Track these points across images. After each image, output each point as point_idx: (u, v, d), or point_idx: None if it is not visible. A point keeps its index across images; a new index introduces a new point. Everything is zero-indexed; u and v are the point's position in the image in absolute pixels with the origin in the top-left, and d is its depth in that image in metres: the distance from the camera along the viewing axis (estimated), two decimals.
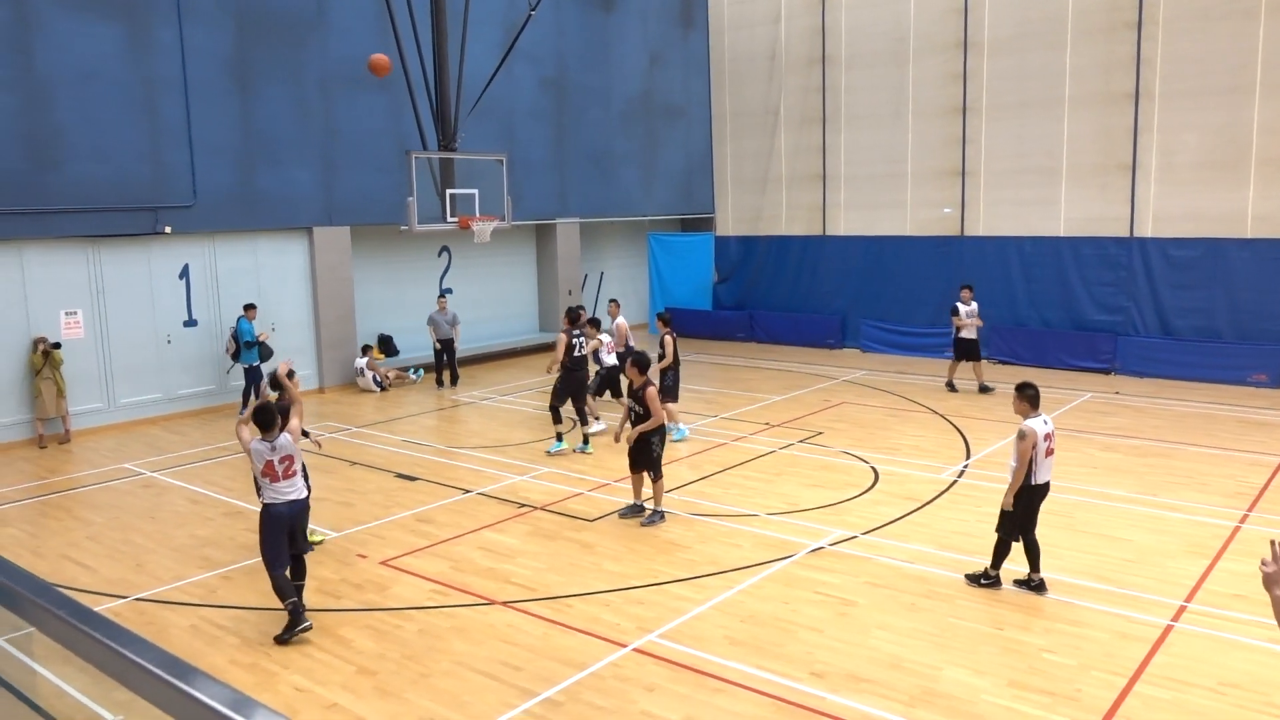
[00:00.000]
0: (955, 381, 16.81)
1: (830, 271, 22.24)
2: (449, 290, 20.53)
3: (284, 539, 7.64)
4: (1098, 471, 11.65)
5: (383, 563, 9.12)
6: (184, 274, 15.94)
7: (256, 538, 9.87)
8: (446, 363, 18.22)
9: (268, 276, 17.03)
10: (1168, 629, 7.35)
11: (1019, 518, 8.03)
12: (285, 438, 7.63)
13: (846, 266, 21.94)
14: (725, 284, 24.31)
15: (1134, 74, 17.81)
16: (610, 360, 13.97)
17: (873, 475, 11.64)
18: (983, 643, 7.17)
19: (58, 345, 14.19)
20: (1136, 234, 18.16)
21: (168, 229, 15.25)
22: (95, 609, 1.89)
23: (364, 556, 9.29)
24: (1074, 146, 18.66)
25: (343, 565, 9.08)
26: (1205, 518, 9.89)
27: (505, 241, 21.39)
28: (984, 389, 16.32)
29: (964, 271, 20.10)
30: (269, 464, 7.55)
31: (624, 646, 7.23)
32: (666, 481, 10.60)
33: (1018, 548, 8.11)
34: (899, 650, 7.09)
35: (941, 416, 14.77)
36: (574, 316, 13.50)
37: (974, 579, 8.21)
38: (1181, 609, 7.70)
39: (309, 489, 7.98)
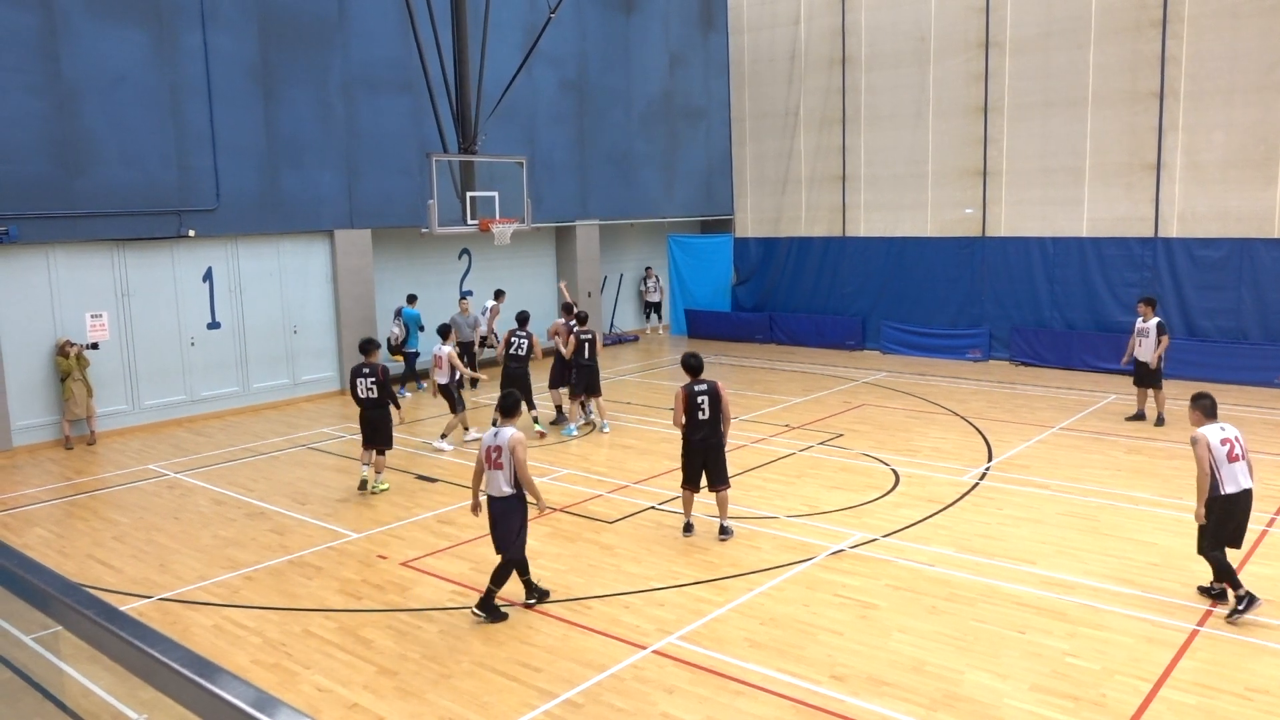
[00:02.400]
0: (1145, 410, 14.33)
1: (851, 273, 22.15)
2: (469, 292, 20.61)
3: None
4: (1122, 474, 11.54)
5: (404, 564, 9.16)
6: (207, 277, 16.09)
7: (280, 539, 9.98)
8: (466, 364, 18.24)
9: (290, 279, 17.17)
10: (1193, 633, 7.26)
11: (1213, 529, 7.58)
12: (508, 431, 7.78)
13: (867, 268, 21.83)
14: (745, 285, 24.26)
15: (1159, 72, 17.63)
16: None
17: (893, 477, 11.58)
18: (1005, 646, 7.11)
19: (94, 346, 14.40)
20: (1161, 234, 17.97)
21: (191, 232, 15.41)
22: (121, 609, 1.91)
23: (384, 557, 9.33)
24: (1098, 146, 18.48)
25: (364, 566, 9.13)
26: None
27: (525, 244, 21.45)
28: (1159, 421, 14.01)
29: (986, 272, 19.98)
30: (487, 451, 7.75)
31: (644, 648, 7.23)
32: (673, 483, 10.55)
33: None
34: (920, 653, 7.04)
35: (963, 418, 14.68)
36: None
37: (1230, 616, 7.43)
38: (1207, 613, 7.61)
39: (514, 491, 7.80)
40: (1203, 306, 17.58)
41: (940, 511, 10.28)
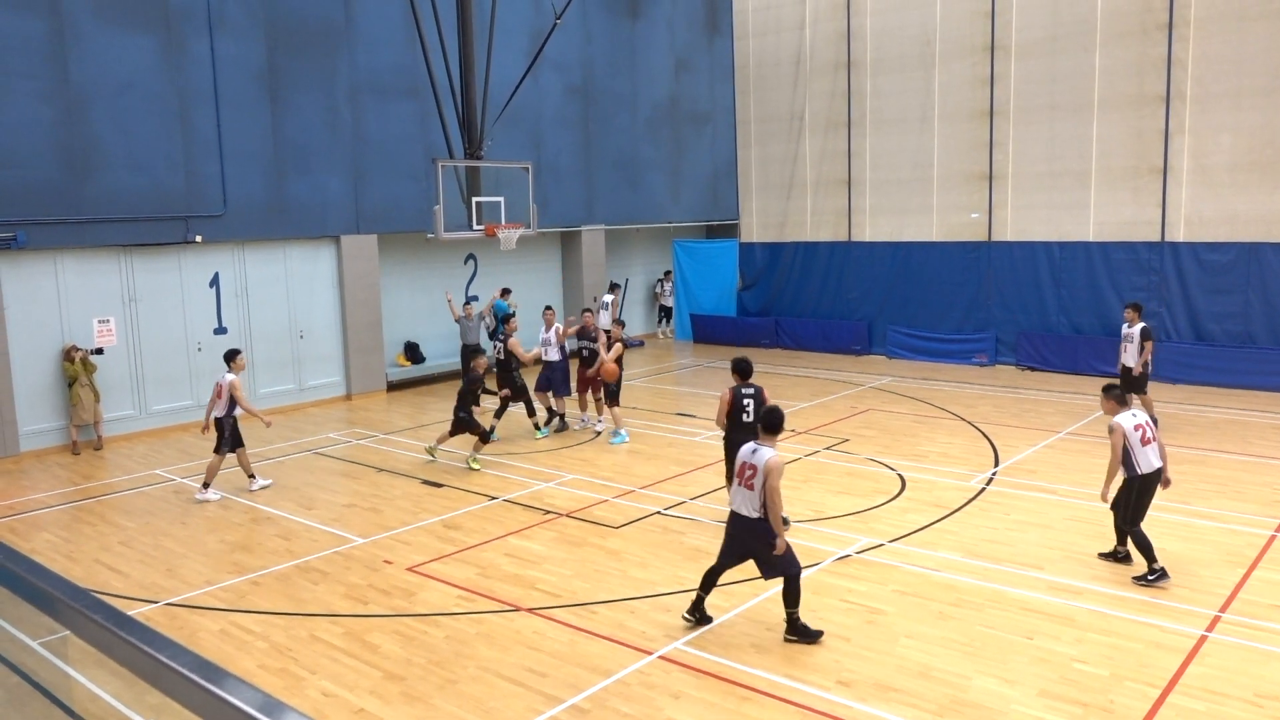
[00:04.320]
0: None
1: (857, 277, 22.12)
2: (475, 298, 20.65)
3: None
4: None
5: (410, 569, 9.16)
6: (214, 282, 16.14)
7: (286, 543, 10.00)
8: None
9: (296, 284, 17.21)
10: (1202, 639, 7.22)
11: (1132, 507, 8.32)
12: (767, 452, 7.20)
13: (873, 272, 21.80)
14: (750, 290, 24.25)
15: (1165, 76, 17.59)
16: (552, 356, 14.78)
17: (900, 482, 11.55)
18: (1013, 652, 7.09)
19: (99, 351, 14.46)
20: (1168, 238, 17.91)
21: (199, 238, 15.46)
22: (128, 613, 1.91)
23: (390, 562, 9.34)
24: (1104, 150, 18.45)
25: (370, 571, 9.14)
26: (1240, 526, 9.73)
27: (531, 249, 21.48)
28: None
29: (992, 276, 19.95)
30: (741, 466, 7.34)
31: (650, 654, 7.22)
32: (695, 486, 10.54)
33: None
34: (928, 659, 7.02)
35: (969, 423, 14.64)
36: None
37: (1140, 579, 8.26)
38: (1216, 619, 7.57)
39: (761, 516, 7.22)
40: (1210, 311, 17.52)
41: (947, 517, 10.25)
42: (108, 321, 14.85)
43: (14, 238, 13.52)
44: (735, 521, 7.40)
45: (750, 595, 8.24)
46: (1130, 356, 13.68)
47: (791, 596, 7.32)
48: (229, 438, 11.67)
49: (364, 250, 17.90)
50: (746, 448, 7.43)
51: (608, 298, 21.44)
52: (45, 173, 13.87)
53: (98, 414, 14.37)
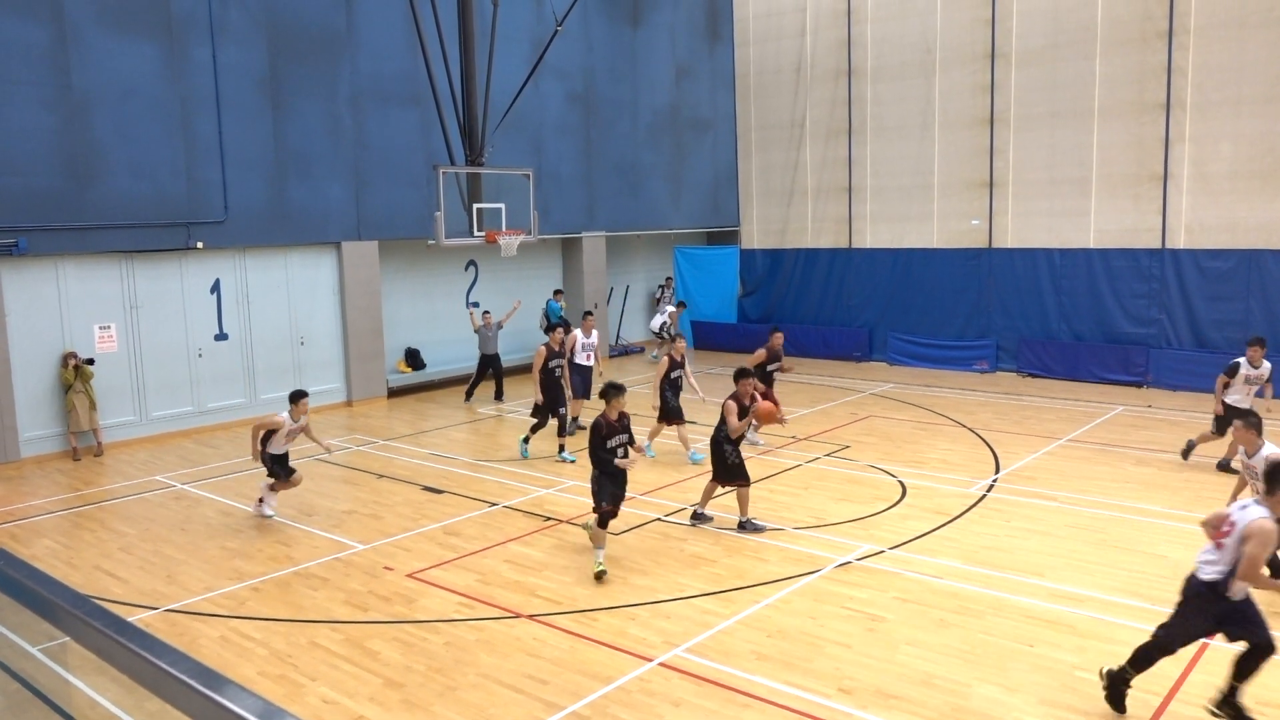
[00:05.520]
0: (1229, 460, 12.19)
1: (858, 284, 22.14)
2: (476, 304, 20.67)
3: None
4: (1131, 486, 11.48)
5: (410, 575, 9.15)
6: (215, 288, 16.15)
7: (286, 550, 9.99)
8: (491, 375, 18.18)
9: (297, 290, 17.22)
10: (1204, 646, 7.21)
11: None
12: (1257, 511, 6.00)
13: (874, 279, 21.82)
14: (751, 297, 24.27)
15: (1165, 83, 17.62)
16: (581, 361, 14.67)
17: (900, 489, 11.54)
18: (1014, 660, 7.07)
19: (90, 361, 14.42)
20: (1169, 245, 17.94)
21: (200, 244, 15.47)
22: (128, 620, 1.91)
23: (391, 569, 9.33)
24: (1104, 157, 18.48)
25: (370, 577, 9.13)
26: None
27: (531, 255, 21.49)
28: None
29: (993, 283, 19.96)
30: (1220, 519, 6.24)
31: (650, 661, 7.21)
32: (695, 493, 10.56)
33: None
34: (929, 666, 7.01)
35: (970, 430, 14.63)
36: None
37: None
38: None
39: (1223, 579, 6.05)
40: (1211, 318, 17.53)
41: (948, 523, 10.24)
42: (109, 328, 14.86)
43: (15, 244, 13.54)
44: (1192, 585, 6.25)
45: (750, 602, 8.23)
46: (1247, 398, 12.17)
47: (1247, 669, 6.14)
48: (283, 469, 11.04)
49: (365, 256, 17.92)
50: (1236, 504, 6.23)
51: (669, 308, 22.29)
52: (47, 179, 13.89)
53: (93, 421, 14.34)
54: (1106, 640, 7.33)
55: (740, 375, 10.39)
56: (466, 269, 20.85)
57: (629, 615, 8.08)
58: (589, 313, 15.68)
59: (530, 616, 8.09)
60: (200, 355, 15.92)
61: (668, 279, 25.09)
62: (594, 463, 9.08)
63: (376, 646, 7.62)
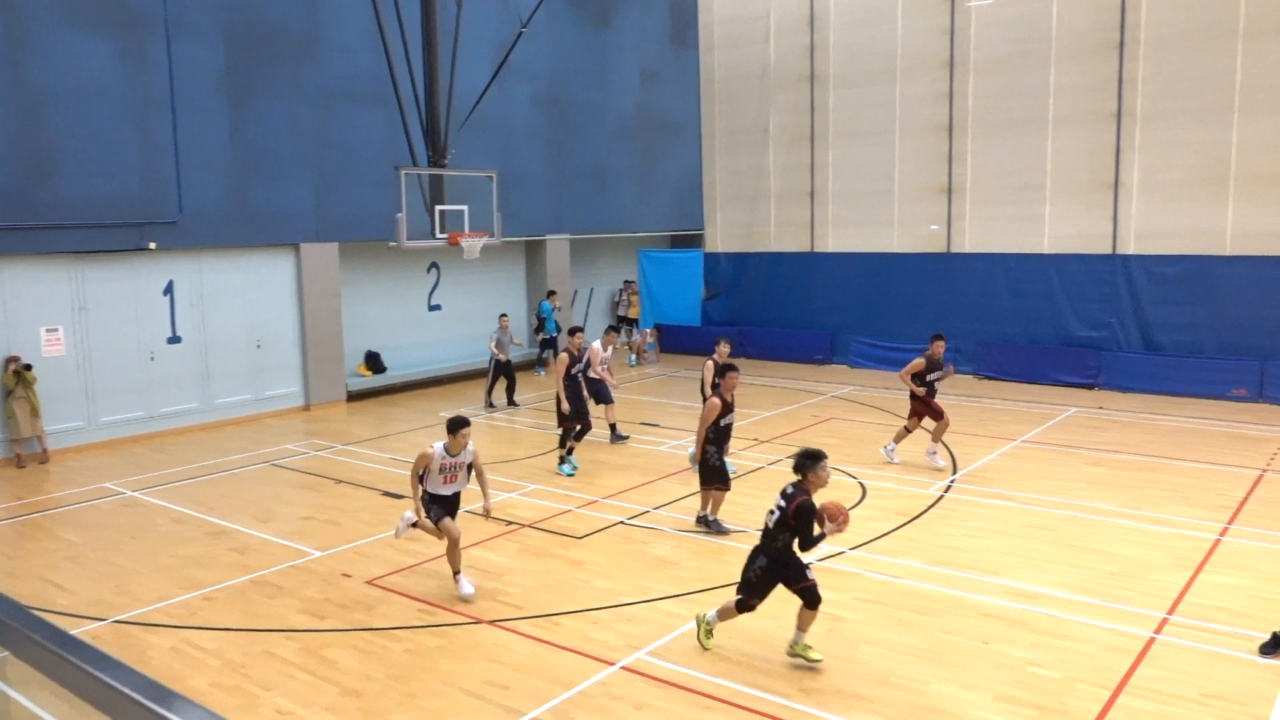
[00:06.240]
0: None
1: (821, 288, 22.31)
2: (438, 306, 20.52)
3: None
4: (1085, 486, 11.68)
5: (369, 582, 9.05)
6: (169, 290, 15.86)
7: (241, 558, 9.83)
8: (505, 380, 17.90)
9: (254, 293, 16.97)
10: (1150, 641, 7.36)
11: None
12: None
13: (837, 283, 22.01)
14: (715, 300, 24.35)
15: (1118, 94, 17.99)
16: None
17: (861, 490, 11.64)
18: (971, 657, 7.16)
19: (29, 366, 13.93)
20: (1120, 251, 18.30)
21: (152, 245, 15.17)
22: (73, 632, 1.86)
23: (349, 576, 9.22)
24: (1060, 164, 18.82)
25: (328, 585, 9.01)
26: (1190, 530, 9.93)
27: (495, 258, 21.38)
28: None
29: (952, 287, 20.22)
30: None
31: (613, 664, 7.19)
32: (659, 495, 10.56)
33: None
34: (888, 665, 7.07)
35: (929, 432, 14.78)
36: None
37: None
38: (1164, 621, 7.71)
39: None
40: (1160, 321, 17.91)
41: (907, 524, 10.35)
42: (56, 331, 14.52)
43: None
44: None
45: (713, 604, 8.23)
46: None
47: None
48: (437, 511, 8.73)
49: (325, 258, 17.71)
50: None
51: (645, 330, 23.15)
52: None
53: (36, 428, 13.92)
54: (1061, 637, 7.44)
55: (722, 371, 10.27)
56: (429, 271, 20.70)
57: (591, 619, 8.06)
58: (613, 328, 15.34)
59: (492, 622, 8.04)
60: (153, 359, 15.62)
61: (626, 282, 25.07)
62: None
63: (334, 655, 7.52)
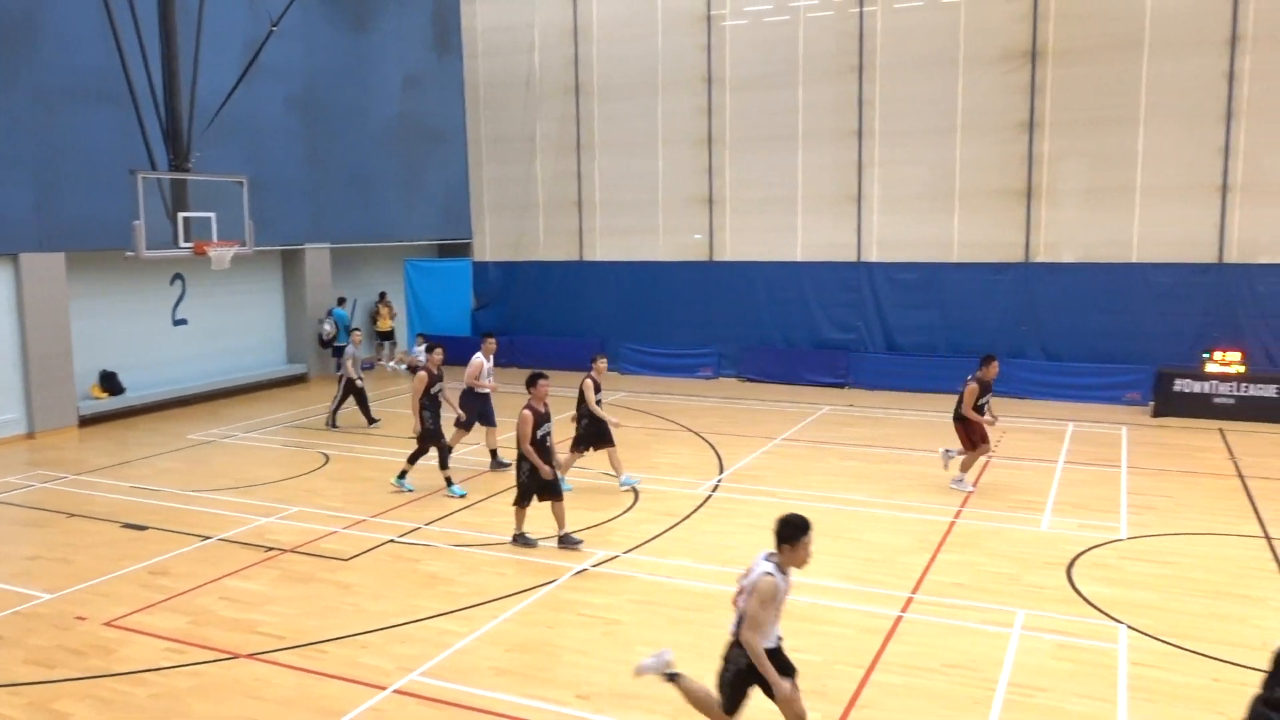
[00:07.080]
0: None
1: (590, 296, 22.64)
2: (184, 321, 19.00)
3: None
4: (840, 478, 12.54)
5: (107, 623, 8.21)
6: None
7: None
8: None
9: None
10: (898, 620, 8.00)
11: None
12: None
13: (606, 291, 22.42)
14: (485, 309, 24.12)
15: (858, 114, 19.53)
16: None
17: (633, 494, 11.89)
18: None
19: None
20: (864, 259, 19.86)
21: None
22: None
23: (84, 618, 8.32)
24: (809, 178, 20.17)
25: (59, 630, 8.08)
26: (932, 515, 10.89)
27: (248, 268, 20.05)
28: None
29: (715, 295, 21.14)
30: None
31: (385, 689, 6.92)
32: (430, 511, 10.25)
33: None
34: None
35: (696, 434, 15.37)
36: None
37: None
38: (909, 600, 8.41)
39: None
40: (901, 324, 19.59)
41: (678, 525, 10.67)
42: None
43: None
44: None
45: (489, 618, 8.13)
46: None
47: None
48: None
49: (51, 270, 15.92)
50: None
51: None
52: None
53: None
54: (822, 622, 7.92)
55: (533, 380, 10.00)
56: (173, 283, 19.12)
57: (361, 644, 7.72)
58: (490, 334, 14.32)
59: (251, 655, 7.51)
60: None
61: (381, 294, 24.08)
62: None
63: (67, 708, 6.75)
